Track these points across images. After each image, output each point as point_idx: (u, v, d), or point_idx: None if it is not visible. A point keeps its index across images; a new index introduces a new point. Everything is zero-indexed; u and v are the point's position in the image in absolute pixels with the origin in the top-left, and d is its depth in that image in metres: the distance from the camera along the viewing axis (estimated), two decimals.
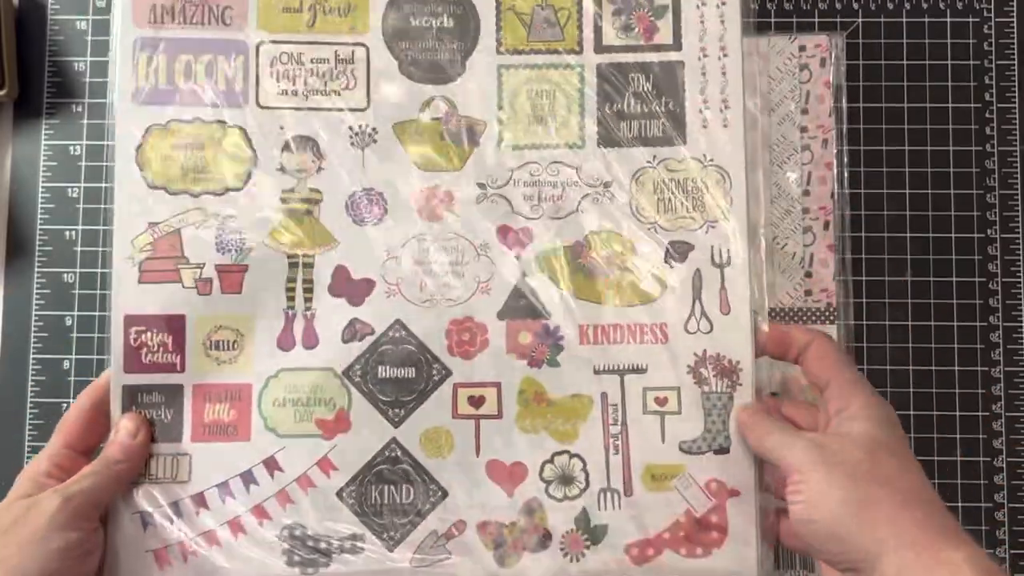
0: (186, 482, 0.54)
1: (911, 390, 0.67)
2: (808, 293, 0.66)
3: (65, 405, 0.66)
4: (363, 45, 0.58)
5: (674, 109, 0.57)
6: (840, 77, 0.67)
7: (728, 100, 0.57)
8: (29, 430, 0.66)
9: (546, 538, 0.55)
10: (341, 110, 0.57)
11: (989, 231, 0.69)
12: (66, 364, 0.67)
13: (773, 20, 0.70)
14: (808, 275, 0.66)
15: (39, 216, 0.68)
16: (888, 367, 0.68)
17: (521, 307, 0.56)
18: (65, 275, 0.68)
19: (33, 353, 0.67)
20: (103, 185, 0.68)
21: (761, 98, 0.66)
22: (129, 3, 0.57)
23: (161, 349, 0.55)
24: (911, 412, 0.67)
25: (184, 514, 0.54)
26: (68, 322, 0.67)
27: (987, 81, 0.70)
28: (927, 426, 0.67)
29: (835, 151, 0.66)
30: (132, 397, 0.55)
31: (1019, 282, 0.68)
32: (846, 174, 0.67)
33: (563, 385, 0.56)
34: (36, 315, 0.67)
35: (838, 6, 0.70)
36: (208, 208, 0.56)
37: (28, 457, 0.66)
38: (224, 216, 0.56)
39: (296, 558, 0.54)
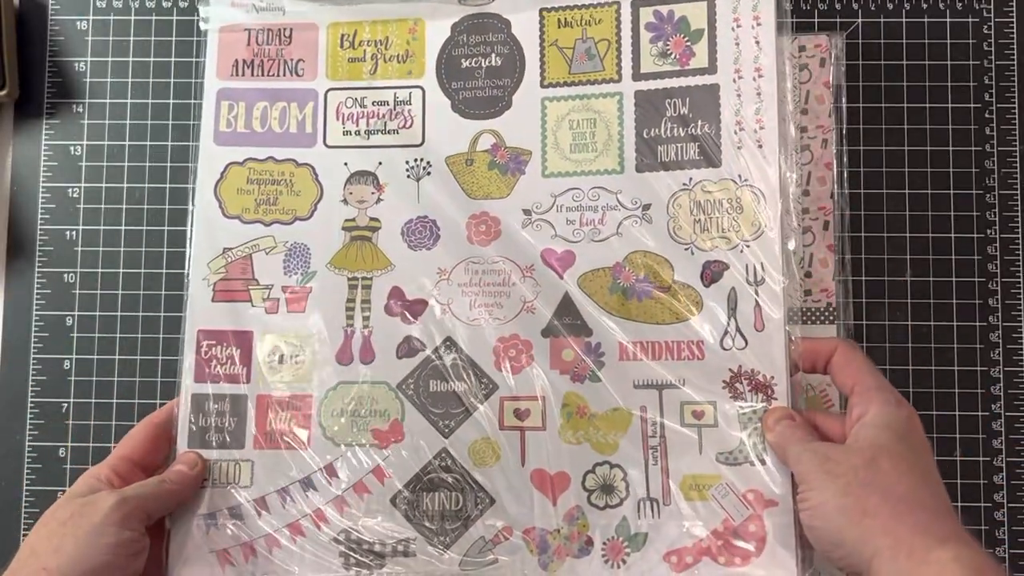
0: (248, 487, 0.58)
1: (911, 390, 0.67)
2: (808, 293, 0.66)
3: (65, 405, 0.67)
4: (419, 87, 0.63)
5: (709, 131, 0.60)
6: (840, 77, 0.67)
7: (763, 121, 0.60)
8: (29, 430, 0.67)
9: (588, 545, 0.56)
10: (399, 147, 0.62)
11: (989, 231, 0.69)
12: (66, 364, 0.68)
13: (773, 20, 0.67)
14: (808, 275, 0.66)
15: (39, 216, 0.69)
16: (888, 367, 0.67)
17: (564, 325, 0.59)
18: (65, 275, 0.68)
19: (33, 353, 0.68)
20: (103, 185, 0.69)
21: None
22: (215, 58, 0.63)
23: (229, 362, 0.59)
24: None
25: (246, 517, 0.57)
26: (68, 322, 0.68)
27: (987, 81, 0.70)
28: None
29: (835, 151, 0.66)
30: (199, 405, 0.59)
31: (1019, 282, 0.68)
32: (846, 174, 0.66)
33: (604, 399, 0.58)
34: (36, 315, 0.68)
35: (838, 6, 0.70)
36: (277, 236, 0.61)
37: (29, 457, 0.67)
38: (292, 243, 0.61)
39: (352, 560, 0.57)
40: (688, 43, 0.61)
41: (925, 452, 0.52)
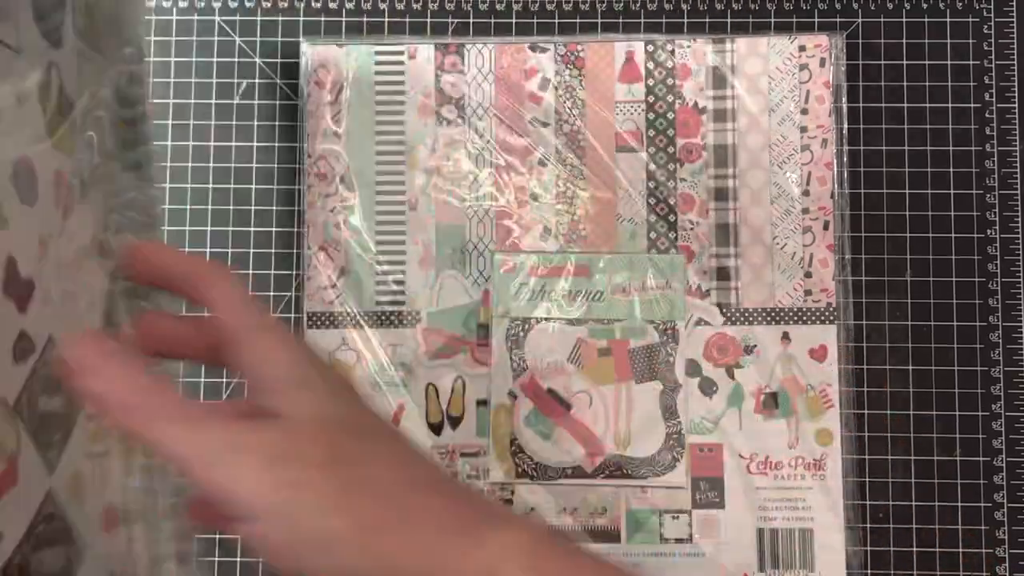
0: None
1: (911, 390, 0.68)
2: (808, 293, 0.67)
3: None
4: None
5: None
6: (840, 77, 0.68)
7: None
8: None
9: None
10: None
11: (989, 231, 0.69)
12: None
13: (773, 20, 0.71)
14: (808, 275, 0.67)
15: None
16: (888, 367, 0.68)
17: None
18: None
19: None
20: None
21: (761, 98, 0.68)
22: None
23: None
24: (911, 412, 0.68)
25: None
26: None
27: (987, 81, 0.70)
28: (927, 426, 0.68)
29: (835, 151, 0.67)
30: None
31: (1019, 282, 0.68)
32: (846, 174, 0.68)
33: None
34: None
35: (838, 6, 0.71)
36: None
37: None
38: None
39: None
40: None
41: (366, 403, 0.37)
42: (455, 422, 0.70)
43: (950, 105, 0.70)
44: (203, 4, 0.73)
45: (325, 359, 0.37)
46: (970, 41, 0.71)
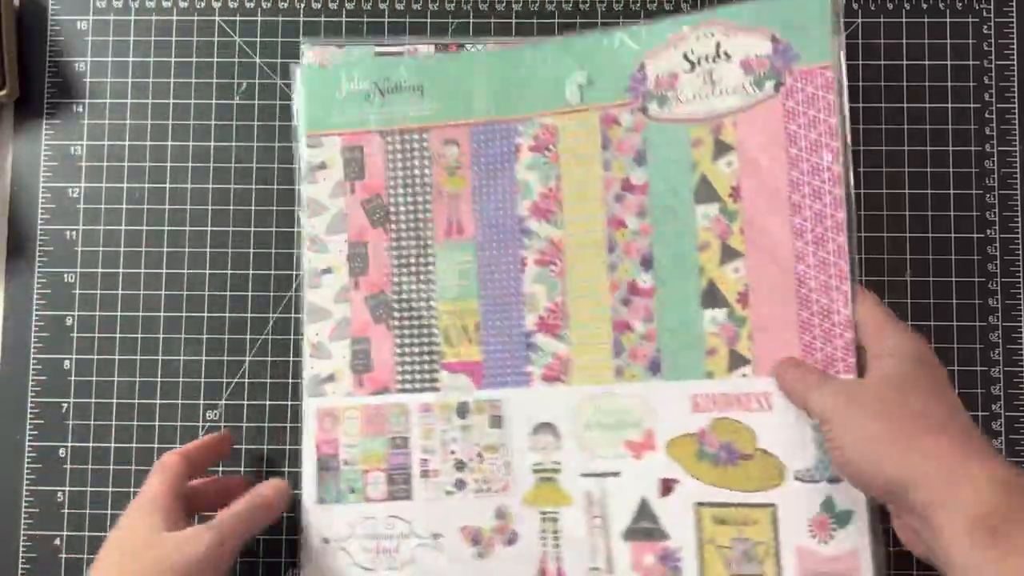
0: None
1: None
2: None
3: (65, 405, 0.68)
4: None
5: None
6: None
7: None
8: (29, 430, 0.68)
9: None
10: None
11: (989, 231, 0.69)
12: (66, 364, 0.69)
13: None
14: None
15: (39, 216, 0.70)
16: None
17: None
18: (65, 275, 0.69)
19: (33, 353, 0.69)
20: (103, 185, 0.71)
21: None
22: None
23: None
24: None
25: None
26: (68, 322, 0.69)
27: (987, 81, 0.70)
28: None
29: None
30: None
31: (1019, 282, 0.69)
32: None
33: None
34: (36, 315, 0.69)
35: None
36: None
37: (29, 457, 0.68)
38: None
39: None
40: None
41: (946, 378, 0.54)
42: None
43: (950, 105, 0.70)
44: (203, 4, 0.73)
45: (928, 347, 0.56)
46: (970, 41, 0.71)
